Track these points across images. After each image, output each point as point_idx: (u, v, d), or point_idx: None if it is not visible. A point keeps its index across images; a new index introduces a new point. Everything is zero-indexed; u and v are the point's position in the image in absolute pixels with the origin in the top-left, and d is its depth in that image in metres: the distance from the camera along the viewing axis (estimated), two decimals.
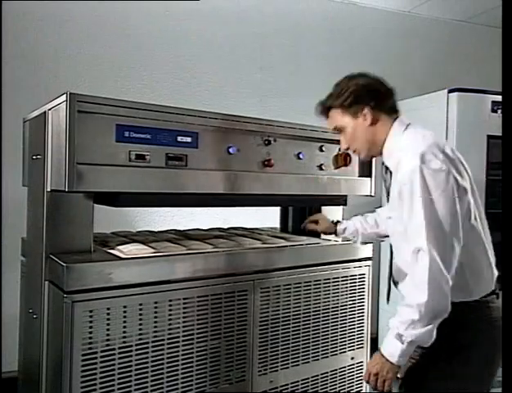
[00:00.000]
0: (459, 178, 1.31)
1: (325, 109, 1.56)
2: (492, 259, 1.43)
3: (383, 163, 1.53)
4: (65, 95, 1.54)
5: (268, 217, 2.64)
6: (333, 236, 2.07)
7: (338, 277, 2.11)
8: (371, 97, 1.46)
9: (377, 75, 1.52)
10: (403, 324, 1.30)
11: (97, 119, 1.58)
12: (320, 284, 2.09)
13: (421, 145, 1.33)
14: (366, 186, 2.28)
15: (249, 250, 1.93)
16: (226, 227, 2.59)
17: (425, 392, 1.41)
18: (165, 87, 3.09)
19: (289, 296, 2.00)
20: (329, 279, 2.09)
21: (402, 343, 1.30)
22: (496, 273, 1.42)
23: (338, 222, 2.03)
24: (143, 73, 3.06)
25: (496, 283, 1.43)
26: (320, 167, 2.16)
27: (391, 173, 1.49)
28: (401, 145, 1.42)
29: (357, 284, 2.20)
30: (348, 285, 2.17)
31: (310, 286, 2.06)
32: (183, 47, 3.17)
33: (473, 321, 1.36)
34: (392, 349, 1.32)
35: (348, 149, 1.56)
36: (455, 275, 1.29)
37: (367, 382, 1.40)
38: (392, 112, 1.49)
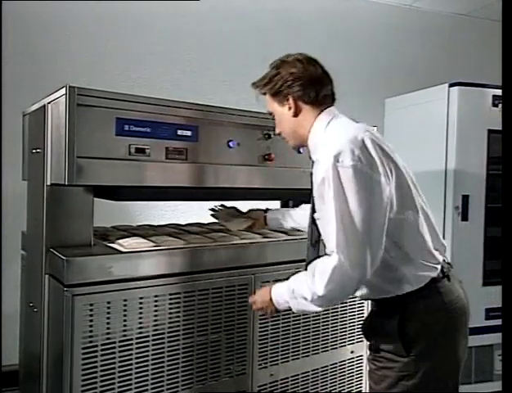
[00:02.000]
0: (376, 174, 1.26)
1: (262, 93, 1.51)
2: (435, 245, 1.40)
3: (310, 157, 1.49)
4: (64, 88, 1.54)
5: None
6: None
7: None
8: (297, 86, 1.40)
9: (313, 60, 1.43)
10: (299, 289, 1.35)
11: (97, 112, 1.58)
12: None
13: (338, 142, 1.29)
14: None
15: (250, 243, 1.93)
16: None
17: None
18: (166, 81, 3.08)
19: None
20: None
21: (291, 299, 1.37)
22: (440, 258, 1.40)
23: (267, 210, 2.02)
24: (143, 67, 3.06)
25: (447, 267, 1.41)
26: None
27: None
28: (322, 140, 1.39)
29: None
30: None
31: None
32: (184, 42, 3.16)
33: (424, 310, 1.33)
34: (282, 300, 1.42)
35: (280, 134, 1.52)
36: (385, 271, 1.30)
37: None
38: (322, 103, 1.42)
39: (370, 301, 1.52)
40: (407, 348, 1.33)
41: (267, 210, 2.04)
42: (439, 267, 1.38)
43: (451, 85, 2.84)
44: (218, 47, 3.25)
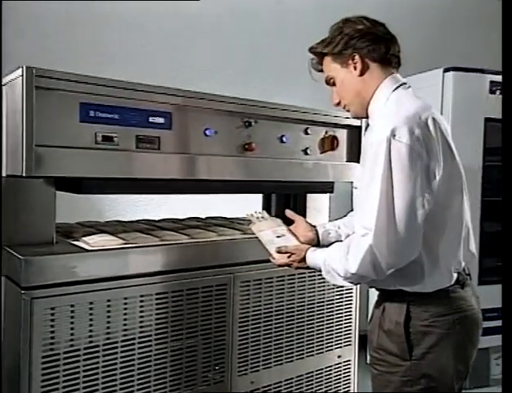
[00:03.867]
0: (432, 161, 1.28)
1: (319, 57, 1.51)
2: (465, 254, 1.41)
3: (367, 124, 1.51)
4: (20, 69, 1.49)
5: (251, 205, 2.60)
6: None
7: None
8: (364, 42, 1.40)
9: (380, 21, 1.45)
10: (332, 264, 1.38)
11: (59, 96, 1.54)
12: (305, 277, 2.09)
13: (399, 115, 1.29)
14: (353, 172, 2.26)
15: (229, 240, 1.93)
16: (203, 216, 2.60)
17: None
18: (141, 66, 3.00)
19: (272, 290, 2.00)
20: (314, 272, 2.01)
21: (325, 270, 1.42)
22: (462, 265, 1.41)
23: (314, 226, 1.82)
24: (117, 51, 2.97)
25: (464, 275, 1.42)
26: (305, 151, 2.15)
27: None
28: (383, 109, 1.39)
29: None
30: None
31: (294, 279, 2.06)
32: (162, 25, 3.09)
33: (430, 312, 1.35)
34: (315, 266, 1.48)
35: (338, 104, 1.51)
36: (412, 263, 1.31)
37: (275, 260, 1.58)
38: (389, 65, 1.44)
39: (371, 305, 1.55)
40: (410, 350, 1.35)
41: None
42: (456, 275, 1.39)
43: (446, 70, 2.84)
44: (200, 31, 3.18)
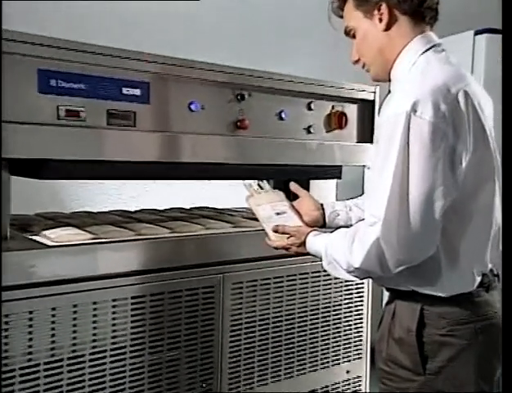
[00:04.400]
0: (459, 144, 1.26)
1: (340, 2, 1.48)
2: (492, 254, 1.41)
3: (389, 91, 1.49)
4: None
5: (243, 194, 2.60)
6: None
7: None
8: None
9: None
10: (334, 254, 1.39)
11: (11, 61, 1.51)
12: (307, 279, 2.09)
13: (424, 85, 1.28)
14: (366, 154, 2.25)
15: (218, 234, 1.94)
16: (188, 207, 2.60)
17: None
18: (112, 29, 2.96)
19: (269, 294, 2.00)
20: (318, 272, 2.09)
21: (326, 261, 1.43)
22: (489, 267, 1.41)
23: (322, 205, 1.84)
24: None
25: (491, 277, 1.42)
26: (308, 130, 2.14)
27: None
28: (407, 75, 1.37)
29: (355, 279, 2.17)
30: (344, 280, 2.14)
31: (295, 280, 2.07)
32: None
33: (448, 319, 1.34)
34: (316, 253, 1.49)
35: (357, 62, 1.49)
36: (428, 260, 1.30)
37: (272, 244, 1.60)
38: (421, 20, 1.40)
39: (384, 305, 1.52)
40: (424, 363, 1.34)
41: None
42: (480, 278, 1.38)
43: (477, 33, 2.84)
44: None
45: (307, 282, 2.09)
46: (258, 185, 1.76)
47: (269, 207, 1.66)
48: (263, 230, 1.64)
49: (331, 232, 1.45)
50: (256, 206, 1.69)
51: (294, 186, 1.76)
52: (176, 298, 1.78)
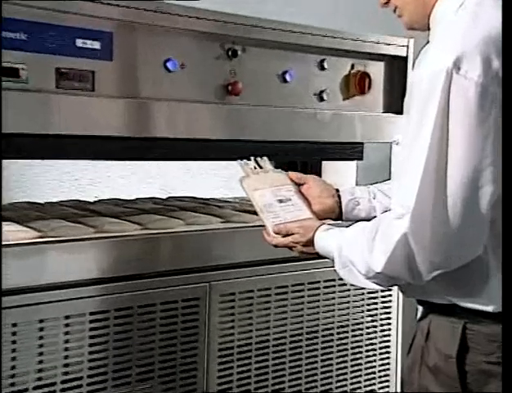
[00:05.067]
0: None
1: None
2: None
3: (427, 42, 1.47)
4: None
5: (235, 182, 2.49)
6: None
7: None
8: None
9: None
10: (350, 255, 1.38)
11: None
12: (318, 289, 2.07)
13: (471, 34, 1.25)
14: (395, 127, 2.23)
15: (202, 232, 1.92)
16: (164, 196, 2.62)
17: None
18: None
19: (269, 309, 1.98)
20: (333, 281, 2.08)
21: (340, 263, 1.41)
22: None
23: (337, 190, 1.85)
24: None
25: None
26: (320, 96, 2.12)
27: None
28: (453, 16, 1.34)
29: (380, 290, 2.18)
30: (365, 291, 2.15)
31: (302, 291, 2.05)
32: None
33: (497, 341, 1.31)
34: (327, 253, 1.47)
35: (387, 3, 1.48)
36: (472, 264, 1.29)
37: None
38: None
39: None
40: None
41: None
42: None
43: None
44: None
45: (318, 294, 2.08)
46: (256, 162, 1.73)
47: (269, 192, 1.64)
48: (263, 226, 1.60)
49: (348, 226, 1.44)
50: (252, 191, 1.65)
51: (294, 175, 1.74)
52: (148, 314, 1.76)
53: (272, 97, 2.04)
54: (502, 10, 1.38)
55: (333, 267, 1.44)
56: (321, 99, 2.13)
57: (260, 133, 2.02)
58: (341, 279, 1.44)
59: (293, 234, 1.53)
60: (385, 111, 2.29)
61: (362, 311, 2.19)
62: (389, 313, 2.26)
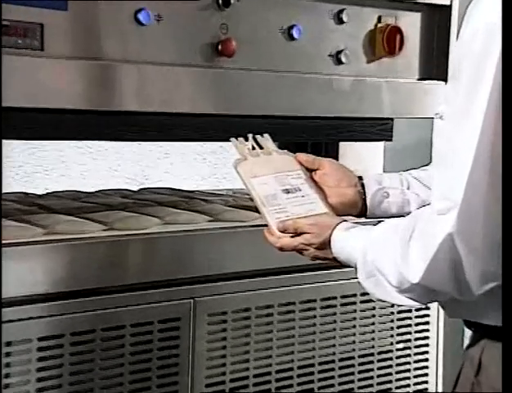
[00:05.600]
0: None
1: None
2: None
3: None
4: None
5: (229, 165, 2.50)
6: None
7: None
8: None
9: None
10: (378, 261, 1.38)
11: None
12: (335, 306, 2.06)
13: None
14: (435, 99, 2.19)
15: (184, 233, 1.90)
16: (136, 188, 2.64)
17: None
18: None
19: (271, 331, 1.96)
20: (354, 296, 2.07)
21: (365, 272, 1.41)
22: None
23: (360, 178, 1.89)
24: None
25: None
26: (337, 57, 2.09)
27: None
28: None
29: (415, 309, 2.18)
30: (396, 309, 2.15)
31: (314, 310, 2.03)
32: None
33: None
34: (346, 258, 1.46)
35: None
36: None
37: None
38: None
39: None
40: None
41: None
42: None
43: None
44: None
45: (334, 313, 2.06)
46: (255, 141, 1.68)
47: (273, 180, 1.61)
48: (265, 225, 1.56)
49: (375, 224, 1.43)
50: (250, 178, 1.61)
51: (304, 158, 1.72)
52: (114, 339, 1.73)
53: (275, 58, 2.00)
54: (502, 10, 1.33)
55: (355, 277, 1.41)
56: (339, 61, 2.10)
57: (259, 106, 2.00)
58: (365, 294, 1.50)
59: (303, 234, 1.51)
60: (422, 78, 2.28)
61: (392, 336, 2.18)
62: (427, 338, 2.26)
